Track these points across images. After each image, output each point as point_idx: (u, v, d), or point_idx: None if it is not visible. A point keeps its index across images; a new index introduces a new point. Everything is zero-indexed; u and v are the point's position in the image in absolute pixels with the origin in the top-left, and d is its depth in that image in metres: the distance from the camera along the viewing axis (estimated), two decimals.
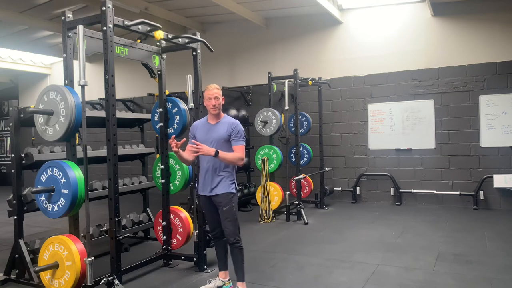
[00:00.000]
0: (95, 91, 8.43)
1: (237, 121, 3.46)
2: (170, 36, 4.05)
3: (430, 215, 6.56)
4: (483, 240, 5.01)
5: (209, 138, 3.38)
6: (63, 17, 3.51)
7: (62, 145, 4.13)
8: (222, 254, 3.60)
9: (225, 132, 3.36)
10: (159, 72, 4.35)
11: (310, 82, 7.13)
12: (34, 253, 3.91)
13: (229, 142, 3.36)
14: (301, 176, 6.58)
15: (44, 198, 3.36)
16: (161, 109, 4.31)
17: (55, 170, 3.29)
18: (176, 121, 4.32)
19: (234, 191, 3.39)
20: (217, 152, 3.21)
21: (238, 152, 3.33)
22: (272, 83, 6.96)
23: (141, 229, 5.18)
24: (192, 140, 3.37)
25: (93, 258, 3.23)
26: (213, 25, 9.30)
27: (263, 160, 6.59)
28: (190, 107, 4.23)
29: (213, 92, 3.42)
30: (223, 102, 3.50)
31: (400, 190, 7.59)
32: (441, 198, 7.35)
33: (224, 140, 3.35)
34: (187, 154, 3.33)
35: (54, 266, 3.29)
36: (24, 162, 3.90)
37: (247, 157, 7.93)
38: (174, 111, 4.32)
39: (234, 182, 3.43)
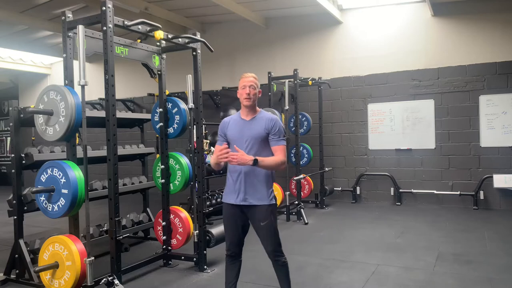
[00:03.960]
0: (95, 91, 8.44)
1: (276, 117, 2.91)
2: (170, 36, 4.05)
3: (430, 215, 6.55)
4: (483, 240, 5.01)
5: (243, 137, 2.85)
6: (63, 17, 3.51)
7: (62, 145, 4.13)
8: (232, 278, 2.98)
9: (262, 129, 2.82)
10: (159, 72, 4.35)
11: (310, 82, 7.14)
12: (34, 253, 3.91)
13: (267, 141, 2.83)
14: (301, 176, 6.58)
15: (44, 198, 3.36)
16: (161, 109, 4.31)
17: (55, 170, 3.29)
18: (176, 121, 4.32)
19: (274, 201, 2.84)
20: (256, 161, 2.66)
21: (279, 155, 2.79)
22: (272, 83, 6.95)
23: (141, 229, 5.18)
24: (224, 144, 2.80)
25: (93, 258, 3.23)
26: (213, 25, 9.31)
27: None
28: (190, 107, 4.23)
29: (249, 79, 2.86)
30: (260, 95, 2.93)
31: (400, 190, 7.58)
32: (441, 198, 7.35)
33: (262, 139, 2.81)
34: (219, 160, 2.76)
35: (54, 266, 3.29)
36: (24, 162, 3.90)
37: None
38: (174, 111, 4.32)
39: (272, 190, 2.87)
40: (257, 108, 2.95)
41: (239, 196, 2.82)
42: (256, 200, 2.80)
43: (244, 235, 2.95)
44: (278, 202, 6.58)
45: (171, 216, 4.38)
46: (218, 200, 6.86)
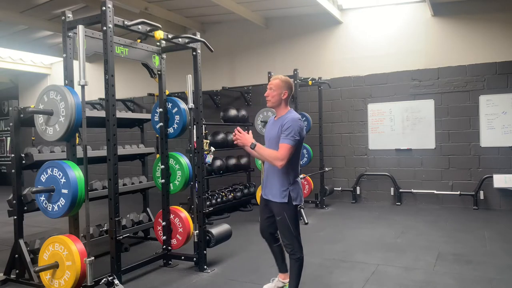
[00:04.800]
0: (95, 91, 8.44)
1: (295, 117, 2.96)
2: (170, 36, 4.05)
3: (430, 215, 6.56)
4: (483, 240, 5.01)
5: (268, 136, 3.10)
6: (63, 17, 3.51)
7: (62, 145, 4.13)
8: (277, 257, 3.40)
9: (278, 129, 2.97)
10: (159, 72, 4.35)
11: (310, 82, 7.13)
12: (34, 253, 3.91)
13: None
14: (301, 176, 6.57)
15: (44, 198, 3.36)
16: (161, 109, 4.31)
17: (55, 170, 3.29)
18: (176, 121, 4.32)
19: (286, 200, 2.96)
20: (253, 145, 2.92)
21: (279, 151, 2.87)
22: None
23: (141, 229, 5.18)
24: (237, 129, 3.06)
25: (93, 258, 3.23)
26: (213, 25, 9.30)
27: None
28: (190, 107, 4.23)
29: (271, 82, 3.05)
30: (285, 96, 3.04)
31: (400, 190, 7.58)
32: (441, 198, 7.35)
33: (278, 138, 2.94)
34: None
35: (54, 266, 3.29)
36: (24, 162, 3.90)
37: (246, 157, 7.93)
38: (174, 111, 4.32)
39: (288, 190, 2.98)
40: (287, 108, 3.10)
41: (263, 190, 3.19)
42: (272, 196, 3.07)
43: (270, 225, 3.23)
44: None
45: (171, 216, 4.38)
46: (218, 200, 6.87)
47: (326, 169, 7.69)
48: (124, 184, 4.91)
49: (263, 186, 3.21)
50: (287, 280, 3.31)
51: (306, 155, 7.61)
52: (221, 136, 7.23)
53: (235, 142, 3.01)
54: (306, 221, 6.20)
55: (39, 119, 3.48)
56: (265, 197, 3.15)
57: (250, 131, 3.10)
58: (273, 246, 3.36)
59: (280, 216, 3.00)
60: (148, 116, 5.17)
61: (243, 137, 2.97)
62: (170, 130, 4.36)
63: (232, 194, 7.19)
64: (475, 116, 7.08)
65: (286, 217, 2.98)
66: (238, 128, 3.02)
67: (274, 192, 3.02)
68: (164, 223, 4.32)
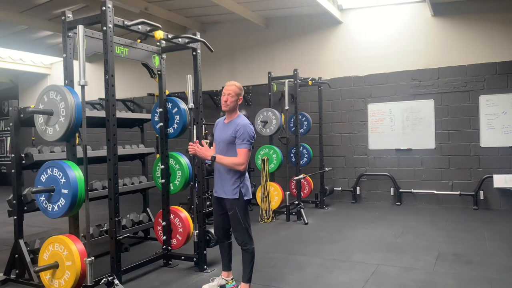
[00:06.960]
0: (95, 91, 8.42)
1: (246, 123, 3.30)
2: (170, 36, 4.05)
3: (430, 215, 6.56)
4: (483, 240, 5.01)
5: (218, 138, 3.37)
6: (63, 17, 3.51)
7: (62, 145, 4.13)
8: (224, 255, 3.59)
9: (230, 133, 3.27)
10: (159, 72, 4.35)
11: (310, 82, 7.13)
12: (34, 253, 3.91)
13: (234, 144, 3.26)
14: (301, 176, 6.58)
15: (44, 198, 3.36)
16: (161, 109, 4.31)
17: (55, 170, 3.29)
18: (176, 121, 4.32)
19: (237, 196, 3.27)
20: (213, 157, 3.23)
21: (238, 157, 3.22)
22: (272, 83, 6.96)
23: (141, 229, 5.18)
24: (195, 141, 3.42)
25: (93, 258, 3.23)
26: (213, 25, 9.31)
27: (263, 160, 6.59)
28: (190, 107, 4.22)
29: (228, 88, 3.32)
30: (240, 102, 3.38)
31: (400, 190, 7.58)
32: (441, 198, 7.35)
33: (229, 142, 3.27)
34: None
35: (54, 266, 3.29)
36: (24, 162, 3.89)
37: None
38: (174, 111, 4.32)
39: (239, 187, 3.28)
40: (237, 112, 3.39)
41: (216, 190, 3.41)
42: (224, 194, 3.32)
43: (224, 222, 3.44)
44: (278, 202, 6.59)
45: (171, 216, 4.38)
46: None
47: (326, 169, 7.68)
48: (124, 184, 4.91)
49: (215, 185, 3.42)
50: (230, 278, 3.58)
51: (306, 155, 7.62)
52: None
53: (190, 153, 3.37)
54: (306, 221, 6.20)
55: (39, 119, 3.48)
56: (217, 196, 3.38)
57: (207, 141, 3.45)
58: (225, 243, 3.56)
59: (232, 211, 3.28)
60: (148, 116, 5.17)
61: (202, 151, 3.30)
62: (170, 130, 4.36)
63: None
64: (475, 116, 7.08)
65: (237, 211, 3.26)
66: (196, 141, 3.38)
67: (225, 190, 3.29)
68: (164, 223, 4.32)
